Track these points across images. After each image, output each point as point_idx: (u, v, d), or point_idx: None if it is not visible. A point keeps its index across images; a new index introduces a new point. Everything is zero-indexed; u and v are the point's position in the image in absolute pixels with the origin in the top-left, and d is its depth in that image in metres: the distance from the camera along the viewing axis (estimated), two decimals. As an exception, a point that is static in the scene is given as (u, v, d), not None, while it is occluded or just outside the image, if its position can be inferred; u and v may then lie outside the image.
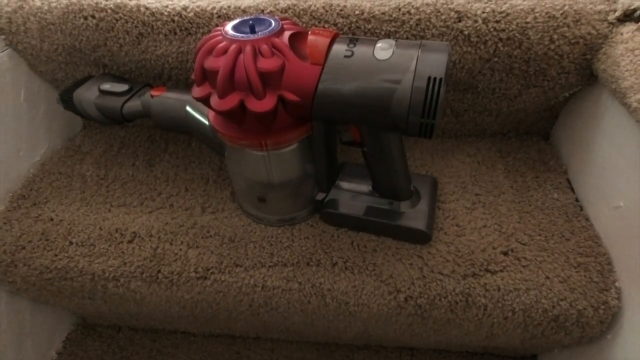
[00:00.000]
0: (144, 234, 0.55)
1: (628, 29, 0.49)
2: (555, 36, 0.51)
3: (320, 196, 0.54)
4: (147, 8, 0.55)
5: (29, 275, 0.54)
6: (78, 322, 0.75)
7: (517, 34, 0.51)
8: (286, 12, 0.54)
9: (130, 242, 0.54)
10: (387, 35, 0.53)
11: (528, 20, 0.50)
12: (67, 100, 0.58)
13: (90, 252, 0.53)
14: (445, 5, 0.52)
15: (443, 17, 0.52)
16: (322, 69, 0.40)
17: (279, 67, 0.39)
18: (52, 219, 0.58)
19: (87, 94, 0.57)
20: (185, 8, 0.55)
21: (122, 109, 0.56)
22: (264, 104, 0.40)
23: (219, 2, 0.56)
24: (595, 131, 0.55)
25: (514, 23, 0.51)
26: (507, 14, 0.51)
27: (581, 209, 0.55)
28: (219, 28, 0.43)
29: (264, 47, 0.39)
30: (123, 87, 0.57)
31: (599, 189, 0.53)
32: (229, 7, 0.55)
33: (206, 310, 0.55)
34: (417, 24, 0.52)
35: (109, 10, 0.56)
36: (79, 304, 0.60)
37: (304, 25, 0.54)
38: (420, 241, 0.51)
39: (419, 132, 0.40)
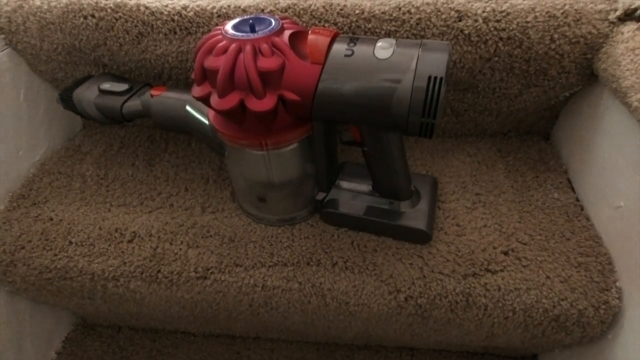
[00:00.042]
0: (143, 233, 0.55)
1: (629, 28, 0.49)
2: (556, 35, 0.51)
3: (320, 196, 0.54)
4: (147, 7, 0.55)
5: (29, 275, 0.54)
6: (78, 322, 0.75)
7: (517, 34, 0.51)
8: (286, 11, 0.54)
9: (130, 241, 0.54)
10: (388, 35, 0.53)
11: (528, 19, 0.50)
12: (66, 99, 0.58)
13: (90, 252, 0.53)
14: (445, 5, 0.52)
15: (443, 16, 0.52)
16: (322, 68, 0.40)
17: (279, 66, 0.39)
18: (51, 219, 0.58)
19: (87, 94, 0.57)
20: (185, 7, 0.55)
21: (122, 108, 0.56)
22: (264, 104, 0.40)
23: (218, 1, 0.56)
24: (595, 131, 0.55)
25: (514, 22, 0.51)
26: (508, 14, 0.51)
27: (582, 209, 0.55)
28: (219, 27, 0.43)
29: (264, 47, 0.39)
30: (123, 87, 0.57)
31: (600, 189, 0.53)
32: (229, 6, 0.55)
33: (206, 310, 0.55)
34: (417, 23, 0.52)
35: (109, 10, 0.56)
36: (79, 304, 0.60)
37: (304, 24, 0.54)
38: (420, 241, 0.51)
39: (419, 131, 0.39)
